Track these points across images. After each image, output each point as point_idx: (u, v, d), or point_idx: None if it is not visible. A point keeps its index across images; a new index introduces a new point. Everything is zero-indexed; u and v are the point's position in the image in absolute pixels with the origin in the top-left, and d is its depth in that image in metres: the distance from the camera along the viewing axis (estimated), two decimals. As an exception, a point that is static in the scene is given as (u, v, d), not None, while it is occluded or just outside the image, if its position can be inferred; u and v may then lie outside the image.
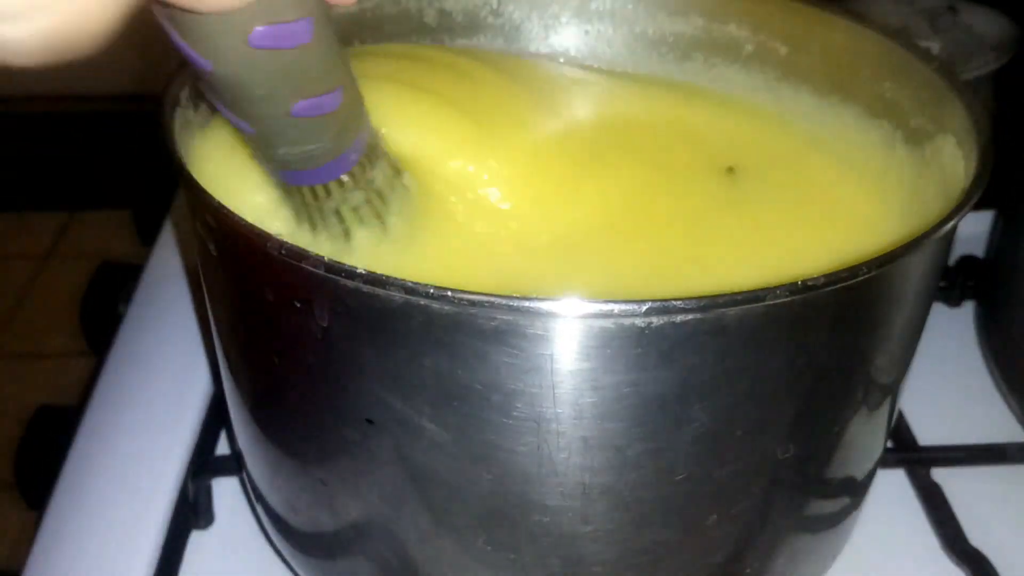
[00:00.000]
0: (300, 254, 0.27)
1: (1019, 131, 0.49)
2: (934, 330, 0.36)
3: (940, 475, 0.46)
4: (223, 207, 0.30)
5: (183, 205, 0.37)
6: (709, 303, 0.26)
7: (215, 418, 0.50)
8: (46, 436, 0.59)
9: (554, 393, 0.28)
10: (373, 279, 0.26)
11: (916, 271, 0.32)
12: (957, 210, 0.30)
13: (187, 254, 0.60)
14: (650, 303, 0.25)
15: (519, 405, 0.28)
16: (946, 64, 0.40)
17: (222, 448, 0.49)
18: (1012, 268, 0.50)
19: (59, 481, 0.48)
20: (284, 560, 0.42)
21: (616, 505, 0.31)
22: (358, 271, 0.26)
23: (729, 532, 0.33)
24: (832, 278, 0.27)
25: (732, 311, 0.27)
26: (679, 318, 0.26)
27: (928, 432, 0.48)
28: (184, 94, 0.38)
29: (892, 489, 0.46)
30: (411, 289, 0.26)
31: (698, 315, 0.26)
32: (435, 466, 0.30)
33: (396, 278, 0.26)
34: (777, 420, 0.31)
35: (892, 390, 0.36)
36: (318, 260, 0.27)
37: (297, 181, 0.35)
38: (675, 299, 0.26)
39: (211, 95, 0.32)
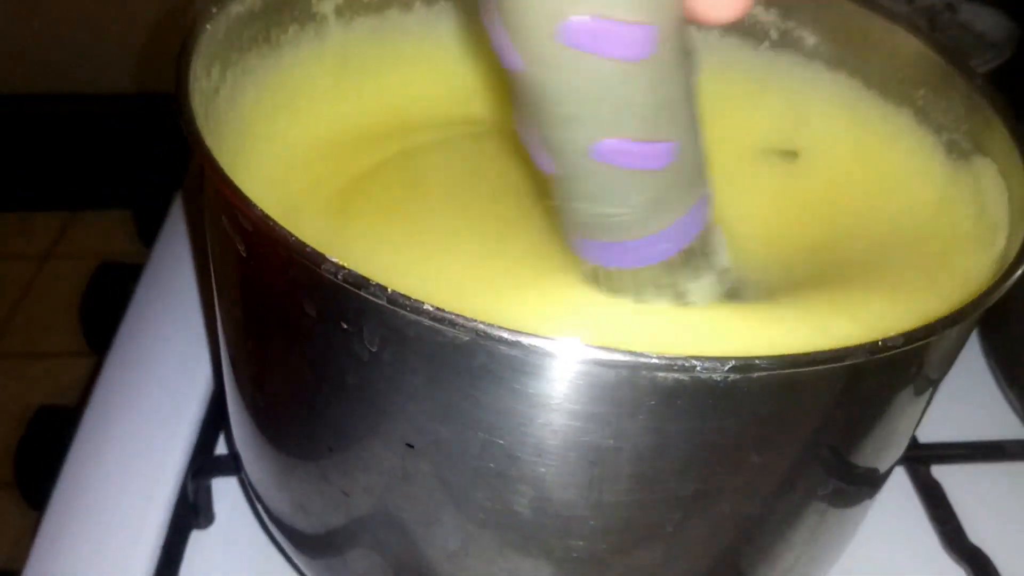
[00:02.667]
0: (360, 282, 0.26)
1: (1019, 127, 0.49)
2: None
3: (940, 472, 0.46)
4: (266, 216, 0.27)
5: (204, 194, 0.35)
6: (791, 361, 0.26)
7: (215, 417, 0.50)
8: (46, 436, 0.59)
9: (614, 432, 0.27)
10: (440, 317, 0.25)
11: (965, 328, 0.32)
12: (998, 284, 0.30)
13: (189, 253, 0.60)
14: (733, 361, 0.25)
15: (574, 445, 0.28)
16: (988, 82, 0.38)
17: (222, 448, 0.49)
18: (1012, 265, 0.50)
19: (59, 481, 0.48)
20: (287, 558, 0.42)
21: (653, 537, 0.31)
22: (424, 307, 0.25)
23: (737, 538, 0.33)
24: (910, 337, 0.27)
25: (803, 371, 0.26)
26: (756, 375, 0.26)
27: (928, 429, 0.48)
28: (200, 61, 0.34)
29: (892, 486, 0.46)
30: (483, 333, 0.25)
31: (776, 371, 0.26)
32: (475, 493, 0.30)
33: (465, 318, 0.25)
34: (821, 463, 0.31)
35: (930, 399, 0.36)
36: (380, 290, 0.26)
37: (587, 254, 0.29)
38: (759, 358, 0.25)
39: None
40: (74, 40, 1.45)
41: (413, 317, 0.26)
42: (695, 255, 0.29)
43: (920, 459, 0.46)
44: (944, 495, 0.45)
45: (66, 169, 1.55)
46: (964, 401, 0.51)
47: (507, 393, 0.27)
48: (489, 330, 0.25)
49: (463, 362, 0.27)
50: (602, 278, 0.30)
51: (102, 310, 0.61)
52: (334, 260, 0.26)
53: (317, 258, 0.26)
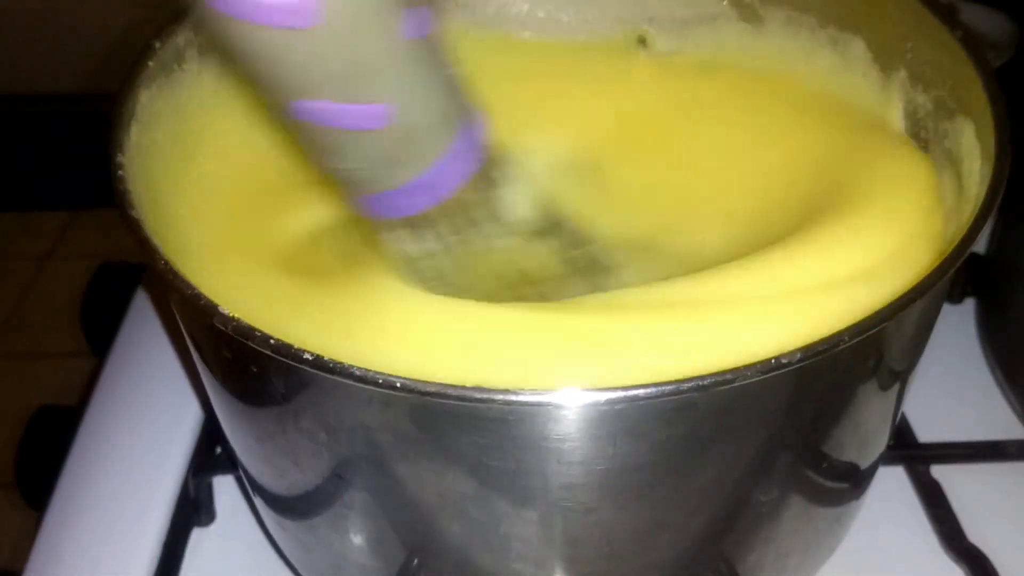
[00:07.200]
0: (416, 388, 0.25)
1: (1018, 129, 0.49)
2: (935, 326, 0.36)
3: (939, 472, 0.46)
4: (275, 340, 0.26)
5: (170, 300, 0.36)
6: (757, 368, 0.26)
7: (216, 416, 0.50)
8: (47, 436, 0.59)
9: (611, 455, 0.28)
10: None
11: (934, 300, 0.32)
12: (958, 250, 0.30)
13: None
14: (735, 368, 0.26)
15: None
16: (973, 35, 0.37)
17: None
18: (1013, 265, 0.50)
19: (60, 481, 0.48)
20: (284, 557, 0.42)
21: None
22: (468, 393, 0.25)
23: (727, 527, 0.33)
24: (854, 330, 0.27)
25: (758, 379, 0.26)
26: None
27: (928, 429, 0.48)
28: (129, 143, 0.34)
29: (891, 486, 0.46)
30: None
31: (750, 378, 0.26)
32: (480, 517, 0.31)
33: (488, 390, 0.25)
34: (795, 445, 0.32)
35: (900, 393, 0.36)
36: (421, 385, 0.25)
37: (358, 209, 0.31)
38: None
39: None
40: (76, 40, 1.45)
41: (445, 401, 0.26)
42: (465, 205, 0.30)
43: (920, 459, 0.46)
44: (943, 495, 0.45)
45: (66, 169, 1.55)
46: (964, 401, 0.51)
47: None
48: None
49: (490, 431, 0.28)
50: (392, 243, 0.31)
51: (102, 310, 0.61)
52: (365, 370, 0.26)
53: (343, 372, 0.26)
